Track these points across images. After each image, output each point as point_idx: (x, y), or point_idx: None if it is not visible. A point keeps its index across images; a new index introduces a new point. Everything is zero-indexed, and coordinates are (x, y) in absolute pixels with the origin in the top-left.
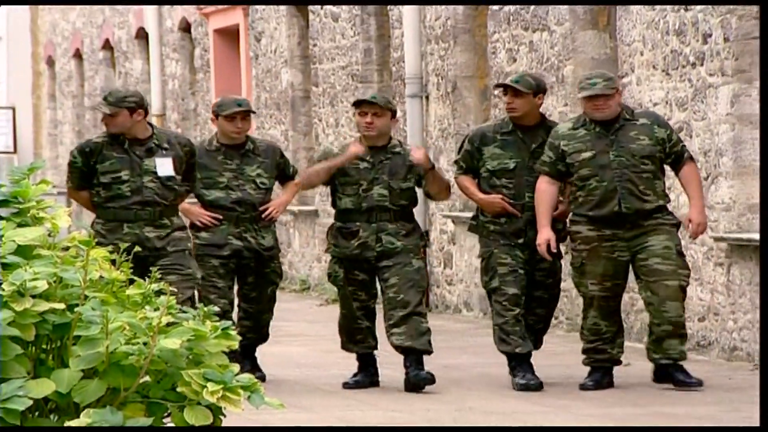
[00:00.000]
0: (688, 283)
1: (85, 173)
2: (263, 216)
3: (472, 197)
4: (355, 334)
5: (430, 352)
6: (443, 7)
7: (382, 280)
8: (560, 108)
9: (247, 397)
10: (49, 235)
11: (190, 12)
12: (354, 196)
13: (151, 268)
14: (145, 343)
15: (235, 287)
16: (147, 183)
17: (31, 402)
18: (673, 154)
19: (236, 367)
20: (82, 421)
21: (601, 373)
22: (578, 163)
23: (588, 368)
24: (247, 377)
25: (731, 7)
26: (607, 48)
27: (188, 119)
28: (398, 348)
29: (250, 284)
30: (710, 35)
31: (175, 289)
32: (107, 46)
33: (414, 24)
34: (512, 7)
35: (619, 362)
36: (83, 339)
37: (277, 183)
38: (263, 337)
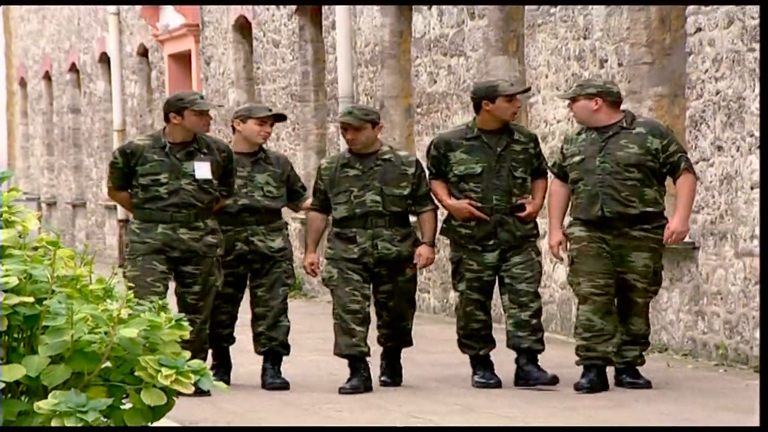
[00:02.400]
0: (654, 297)
1: (126, 174)
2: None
3: (441, 202)
4: (348, 338)
5: (410, 345)
6: (372, 34)
7: (376, 284)
8: None
9: (197, 380)
10: (20, 236)
11: (147, 39)
12: (347, 204)
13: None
14: (106, 333)
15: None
16: (184, 185)
17: (3, 385)
18: (668, 164)
19: (187, 354)
20: (49, 402)
21: (594, 373)
22: (569, 167)
23: (582, 369)
24: (196, 363)
25: (624, 35)
26: (516, 71)
27: (146, 134)
28: (381, 343)
29: (262, 286)
30: (606, 60)
31: (199, 298)
32: (73, 68)
33: (346, 50)
34: (433, 35)
35: (611, 363)
36: (51, 329)
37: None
38: (285, 345)
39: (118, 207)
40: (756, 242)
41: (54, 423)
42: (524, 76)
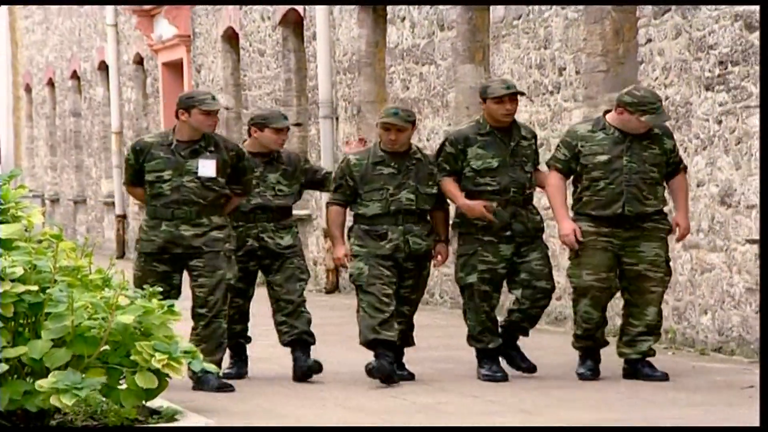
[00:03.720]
0: (667, 287)
1: (137, 171)
2: None
3: (454, 200)
4: (379, 326)
5: (412, 345)
6: (350, 44)
7: (400, 279)
8: (445, 127)
9: (189, 362)
10: (26, 230)
11: (142, 48)
12: (381, 201)
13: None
14: (104, 319)
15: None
16: (186, 182)
17: (7, 367)
18: (673, 164)
19: (180, 339)
20: (49, 380)
21: (592, 360)
22: (592, 165)
23: (578, 356)
24: (188, 345)
25: (581, 46)
26: (482, 78)
27: (141, 136)
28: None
29: (277, 281)
30: (564, 69)
31: (208, 291)
32: (75, 76)
33: (326, 59)
34: (406, 45)
35: (606, 343)
36: (53, 315)
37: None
38: (310, 334)
39: (116, 203)
40: (702, 235)
41: (52, 400)
42: None
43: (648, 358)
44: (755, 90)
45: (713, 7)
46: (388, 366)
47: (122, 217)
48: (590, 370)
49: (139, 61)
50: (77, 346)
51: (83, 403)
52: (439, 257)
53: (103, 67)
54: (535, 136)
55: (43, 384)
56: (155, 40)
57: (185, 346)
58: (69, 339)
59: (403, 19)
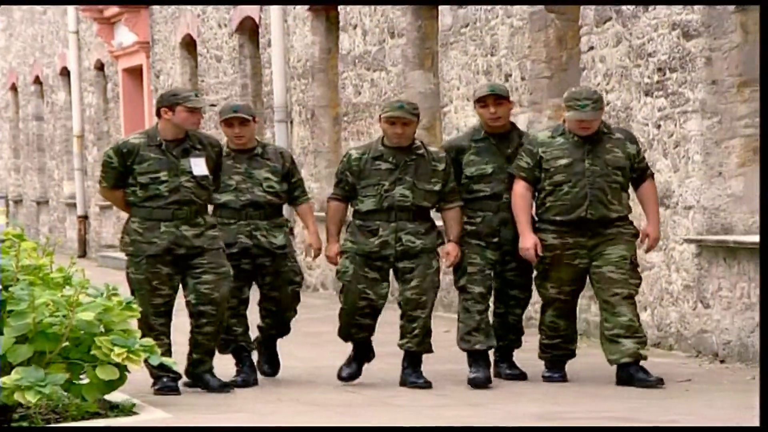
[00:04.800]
0: (637, 292)
1: (122, 173)
2: (307, 258)
3: None
4: (351, 328)
5: (430, 352)
6: (303, 51)
7: (402, 281)
8: None
9: (147, 357)
10: None
11: (103, 55)
12: (375, 197)
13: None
14: (65, 316)
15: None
16: (184, 183)
17: None
18: (639, 170)
19: (138, 333)
20: (12, 377)
21: (560, 366)
22: (554, 169)
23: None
24: (146, 341)
25: (526, 53)
26: (431, 84)
27: (102, 139)
28: (404, 348)
29: (268, 284)
30: (510, 75)
31: (213, 287)
32: (37, 81)
33: (281, 64)
34: (358, 52)
35: (573, 355)
36: (15, 312)
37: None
38: (284, 331)
39: (78, 204)
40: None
41: (17, 396)
42: (438, 88)
43: (641, 362)
44: (692, 95)
45: (652, 15)
46: (356, 371)
47: (84, 218)
48: (560, 373)
49: (100, 66)
50: (39, 342)
51: (45, 398)
52: (448, 258)
53: (65, 72)
54: None
55: (6, 381)
56: (115, 47)
57: (143, 342)
58: (31, 335)
59: (355, 26)
